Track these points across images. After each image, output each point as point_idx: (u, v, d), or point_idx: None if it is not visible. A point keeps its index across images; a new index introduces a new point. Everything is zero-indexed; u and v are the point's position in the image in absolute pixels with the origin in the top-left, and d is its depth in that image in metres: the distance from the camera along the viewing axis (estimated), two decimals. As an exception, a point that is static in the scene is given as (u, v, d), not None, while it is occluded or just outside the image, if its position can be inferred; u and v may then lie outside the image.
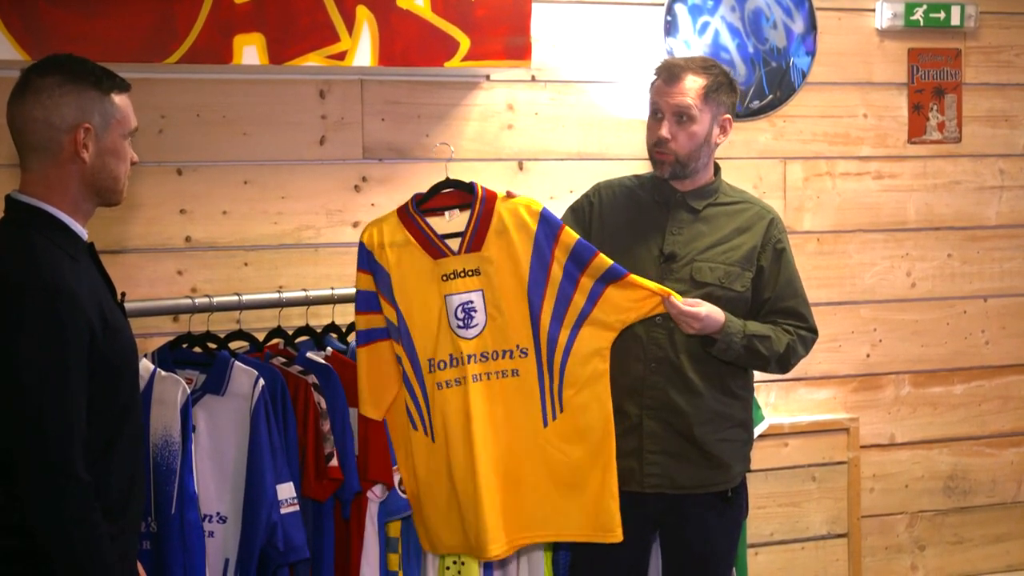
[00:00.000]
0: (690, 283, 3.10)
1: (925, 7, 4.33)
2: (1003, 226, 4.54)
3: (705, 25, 4.12)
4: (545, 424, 3.07)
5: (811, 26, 4.23)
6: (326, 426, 3.14)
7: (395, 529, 3.25)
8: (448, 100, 3.87)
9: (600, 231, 3.20)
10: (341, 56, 3.46)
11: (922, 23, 4.34)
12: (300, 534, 3.06)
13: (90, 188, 2.39)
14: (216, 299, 3.28)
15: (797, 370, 3.46)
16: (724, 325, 3.03)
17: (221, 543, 3.08)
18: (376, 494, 3.19)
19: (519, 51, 3.63)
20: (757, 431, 3.65)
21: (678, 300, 3.01)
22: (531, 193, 3.24)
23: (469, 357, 3.03)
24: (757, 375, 3.32)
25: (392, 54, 3.50)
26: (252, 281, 3.66)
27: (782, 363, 3.15)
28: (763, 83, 4.18)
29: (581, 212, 3.28)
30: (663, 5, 4.09)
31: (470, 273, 3.05)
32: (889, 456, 4.44)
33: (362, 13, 3.46)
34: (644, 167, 3.48)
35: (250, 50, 3.37)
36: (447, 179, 3.13)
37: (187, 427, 3.01)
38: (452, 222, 3.11)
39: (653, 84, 3.18)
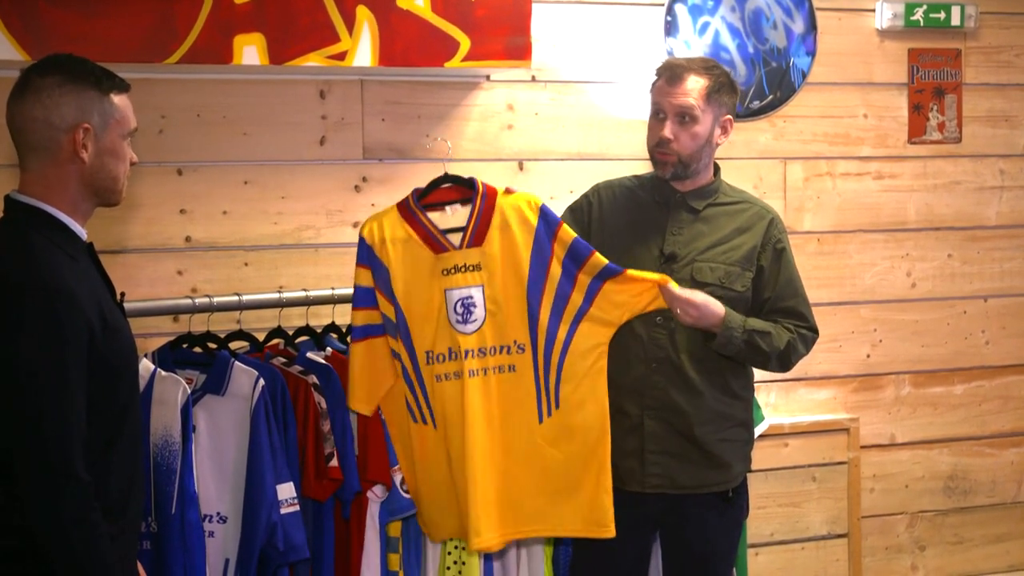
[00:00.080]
0: (691, 283, 3.10)
1: (925, 7, 4.33)
2: (1003, 226, 4.54)
3: (705, 25, 4.12)
4: (540, 420, 3.07)
5: (811, 26, 4.23)
6: (326, 426, 3.14)
7: (395, 529, 3.25)
8: (448, 100, 3.87)
9: (600, 232, 3.20)
10: (341, 56, 3.46)
11: (922, 23, 4.34)
12: (300, 534, 3.06)
13: (89, 188, 2.39)
14: (216, 299, 3.28)
15: (797, 370, 3.46)
16: (724, 319, 3.03)
17: (221, 543, 3.08)
18: (377, 494, 3.19)
19: (519, 51, 3.63)
20: (757, 431, 3.65)
21: (674, 287, 3.01)
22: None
23: (467, 352, 3.04)
24: (757, 375, 3.32)
25: (392, 54, 3.50)
26: (252, 281, 3.66)
27: (783, 360, 3.15)
28: (763, 83, 4.18)
29: (580, 212, 3.28)
30: (663, 5, 4.09)
31: (471, 268, 3.05)
32: (889, 456, 4.44)
33: (362, 13, 3.46)
34: (644, 167, 3.48)
35: (250, 50, 3.37)
36: (445, 174, 3.14)
37: (187, 427, 3.01)
38: (453, 217, 3.11)
39: (655, 84, 3.18)
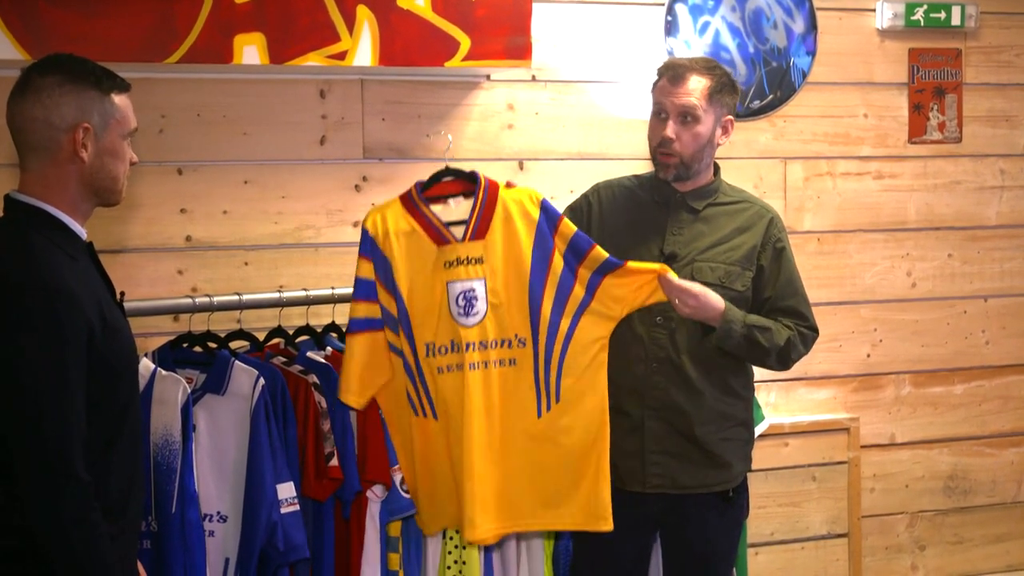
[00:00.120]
0: (691, 283, 3.11)
1: (925, 7, 4.33)
2: (1003, 226, 4.54)
3: (706, 25, 4.12)
4: (539, 415, 3.07)
5: (811, 26, 4.23)
6: (326, 426, 3.14)
7: (396, 529, 3.25)
8: (448, 100, 3.87)
9: (600, 232, 3.20)
10: (341, 56, 3.46)
11: (922, 23, 4.34)
12: (300, 534, 3.06)
13: (88, 188, 2.39)
14: (216, 299, 3.28)
15: (797, 370, 3.46)
16: (724, 312, 3.03)
17: (221, 542, 3.08)
18: (377, 494, 3.19)
19: (519, 51, 3.63)
20: (757, 431, 3.65)
21: (673, 277, 3.01)
22: (531, 193, 3.24)
23: (468, 345, 3.04)
24: (758, 375, 3.32)
25: (392, 54, 3.50)
26: (252, 281, 3.66)
27: (782, 357, 3.14)
28: (763, 83, 4.18)
29: (580, 212, 3.28)
30: (663, 5, 4.09)
31: (473, 261, 3.05)
32: (889, 456, 4.44)
33: (362, 13, 3.46)
34: (644, 167, 3.48)
35: (250, 50, 3.37)
36: (447, 168, 3.14)
37: (187, 426, 3.01)
38: (455, 210, 3.12)
39: (656, 84, 3.18)
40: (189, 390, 3.05)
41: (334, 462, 3.12)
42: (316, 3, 3.42)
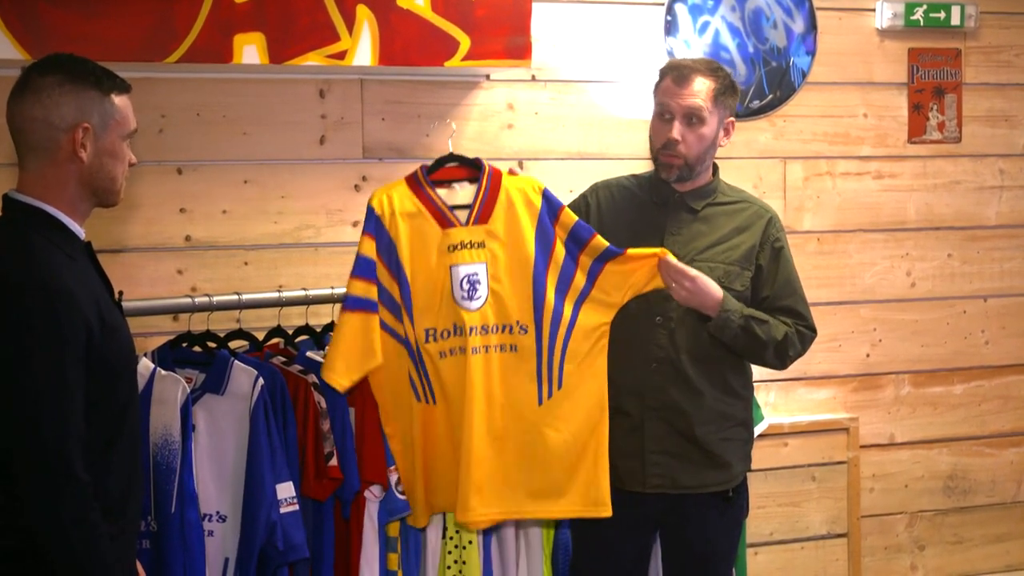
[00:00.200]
0: (690, 283, 3.11)
1: (925, 7, 4.33)
2: (1003, 226, 4.54)
3: (705, 25, 4.12)
4: (540, 402, 3.08)
5: (811, 26, 4.23)
6: (326, 425, 3.14)
7: (394, 529, 3.25)
8: (448, 100, 3.87)
9: (599, 231, 3.19)
10: (341, 56, 3.46)
11: (922, 23, 4.34)
12: (300, 533, 3.06)
13: (87, 188, 2.39)
14: (216, 298, 3.28)
15: (797, 370, 3.46)
16: (722, 301, 3.03)
17: (221, 542, 3.08)
18: (375, 494, 3.19)
19: (519, 51, 3.64)
20: (757, 431, 3.65)
21: (671, 258, 3.03)
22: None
23: (471, 329, 3.05)
24: (757, 374, 3.32)
25: (392, 54, 3.50)
26: (252, 280, 3.66)
27: (779, 353, 3.14)
28: (763, 83, 4.18)
29: (579, 212, 3.26)
30: (663, 5, 4.09)
31: (476, 245, 3.07)
32: (889, 456, 4.44)
33: (362, 12, 3.47)
34: (645, 167, 3.48)
35: (250, 50, 3.37)
36: (451, 153, 3.17)
37: (187, 426, 3.01)
38: (460, 194, 3.13)
39: (660, 85, 3.18)
40: (188, 390, 3.05)
41: (334, 462, 3.12)
42: (316, 3, 3.42)
